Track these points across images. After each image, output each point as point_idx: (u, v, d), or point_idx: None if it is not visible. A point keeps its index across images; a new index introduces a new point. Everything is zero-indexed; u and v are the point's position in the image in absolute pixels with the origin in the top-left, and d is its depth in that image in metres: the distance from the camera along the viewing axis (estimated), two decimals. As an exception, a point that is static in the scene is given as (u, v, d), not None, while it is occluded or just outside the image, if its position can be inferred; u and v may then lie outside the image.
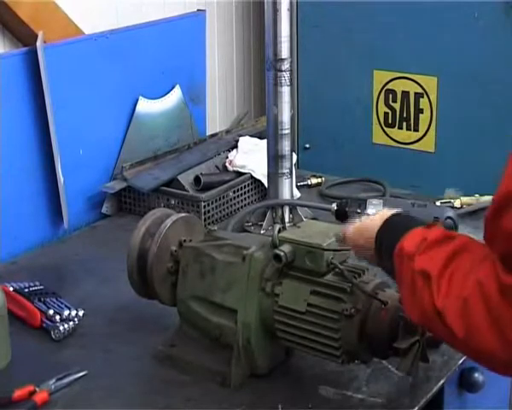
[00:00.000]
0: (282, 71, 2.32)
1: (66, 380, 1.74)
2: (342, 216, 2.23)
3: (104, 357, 1.85)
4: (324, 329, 1.61)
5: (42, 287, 2.08)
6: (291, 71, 2.36)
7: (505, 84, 2.69)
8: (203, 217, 2.47)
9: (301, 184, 2.78)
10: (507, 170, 1.23)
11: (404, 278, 1.39)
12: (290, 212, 2.46)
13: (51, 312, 1.95)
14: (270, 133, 2.40)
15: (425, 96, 2.86)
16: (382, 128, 2.99)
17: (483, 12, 2.68)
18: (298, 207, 2.49)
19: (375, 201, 2.10)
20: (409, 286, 1.37)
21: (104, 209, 2.61)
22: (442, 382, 1.74)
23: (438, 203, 2.48)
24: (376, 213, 1.60)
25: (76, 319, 1.95)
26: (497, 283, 1.21)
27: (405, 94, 2.90)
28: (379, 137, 3.00)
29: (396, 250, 1.42)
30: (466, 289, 1.25)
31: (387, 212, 1.57)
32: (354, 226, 1.61)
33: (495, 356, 1.24)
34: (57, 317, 1.93)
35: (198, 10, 2.94)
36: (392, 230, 1.49)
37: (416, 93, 2.88)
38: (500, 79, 2.70)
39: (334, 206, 2.32)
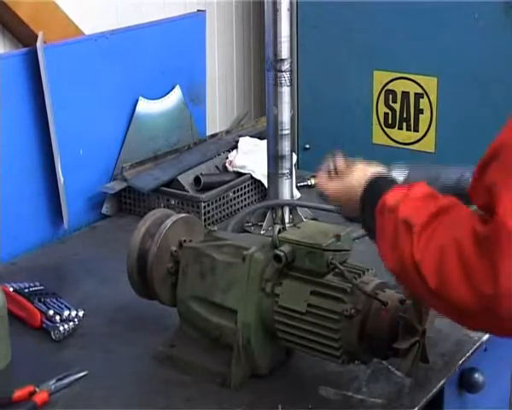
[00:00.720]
0: (282, 71, 2.32)
1: (66, 380, 1.74)
2: None
3: (104, 357, 1.85)
4: (324, 329, 1.61)
5: (42, 287, 2.08)
6: (291, 71, 2.36)
7: (505, 84, 2.69)
8: (203, 217, 2.47)
9: (301, 184, 2.77)
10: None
11: (385, 230, 1.40)
12: (290, 212, 2.46)
13: (51, 312, 1.95)
14: (270, 134, 2.40)
15: (425, 96, 2.86)
16: (382, 128, 2.99)
17: (483, 12, 2.69)
18: (298, 208, 2.49)
19: (399, 166, 2.00)
20: (390, 236, 1.38)
21: (104, 210, 2.61)
22: (442, 382, 1.74)
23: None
24: (357, 171, 1.63)
25: (76, 320, 1.95)
26: (473, 236, 1.23)
27: (405, 94, 2.90)
28: (379, 137, 3.00)
29: (378, 206, 1.44)
30: (444, 245, 1.27)
31: (369, 170, 1.61)
32: (337, 183, 1.66)
33: (465, 309, 1.25)
34: (57, 317, 1.93)
35: (198, 10, 2.94)
36: (374, 188, 1.53)
37: (415, 93, 2.88)
38: (500, 79, 2.70)
39: None
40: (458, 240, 1.25)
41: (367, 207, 1.53)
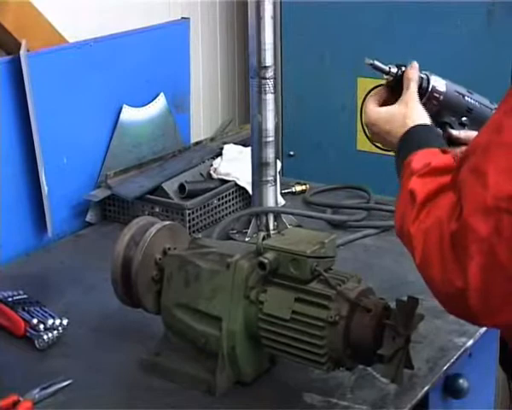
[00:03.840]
0: (266, 78, 2.33)
1: (50, 389, 1.73)
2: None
3: (89, 366, 1.84)
4: (309, 336, 1.61)
5: (26, 296, 2.06)
6: (275, 78, 2.36)
7: (488, 90, 2.70)
8: (188, 225, 2.46)
9: (286, 191, 2.78)
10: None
11: (403, 188, 1.47)
12: (275, 219, 2.46)
13: (35, 321, 1.94)
14: (254, 141, 2.40)
15: (409, 103, 2.86)
16: (367, 135, 2.99)
17: (466, 20, 2.70)
18: (282, 215, 2.49)
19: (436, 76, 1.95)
20: (403, 197, 1.45)
21: (88, 218, 2.61)
22: (427, 388, 1.74)
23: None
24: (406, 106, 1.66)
25: (60, 328, 1.94)
26: (449, 228, 1.26)
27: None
28: (363, 144, 3.00)
29: (406, 160, 1.50)
30: (432, 226, 1.31)
31: (414, 114, 1.63)
32: (381, 112, 1.70)
33: (440, 293, 1.30)
34: (41, 326, 1.92)
35: (182, 18, 2.94)
36: (412, 140, 1.58)
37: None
38: (483, 85, 2.71)
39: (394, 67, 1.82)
40: (442, 225, 1.28)
41: (400, 155, 1.57)
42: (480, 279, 1.21)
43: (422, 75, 1.75)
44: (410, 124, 1.62)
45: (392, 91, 1.76)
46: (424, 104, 1.71)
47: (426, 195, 1.37)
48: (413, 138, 1.59)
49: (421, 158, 1.47)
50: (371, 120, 1.72)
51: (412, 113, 1.64)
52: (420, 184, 1.41)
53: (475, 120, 1.76)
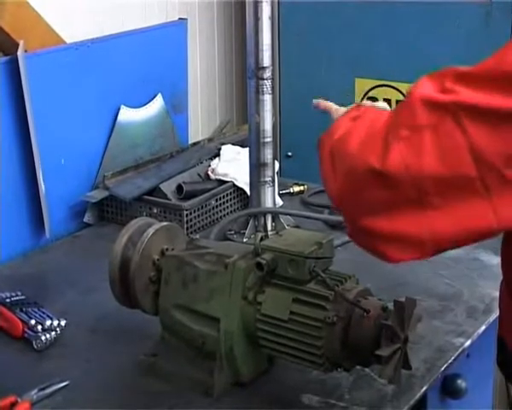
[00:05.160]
0: (263, 79, 2.33)
1: (48, 390, 1.73)
2: None
3: (86, 367, 1.84)
4: (307, 337, 1.61)
5: (23, 297, 2.06)
6: (273, 79, 2.36)
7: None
8: (185, 226, 2.46)
9: (284, 192, 2.78)
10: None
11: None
12: (272, 220, 2.46)
13: (33, 322, 1.94)
14: (252, 141, 2.40)
15: (406, 103, 2.87)
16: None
17: (464, 20, 2.70)
18: (280, 216, 2.49)
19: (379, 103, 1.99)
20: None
21: (86, 218, 2.60)
22: (425, 389, 1.74)
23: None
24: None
25: (58, 329, 1.94)
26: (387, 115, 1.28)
27: (387, 101, 2.91)
28: (361, 144, 3.00)
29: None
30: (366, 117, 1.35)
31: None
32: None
33: (349, 160, 1.29)
34: (39, 327, 1.92)
35: (179, 19, 2.94)
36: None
37: (397, 101, 2.89)
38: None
39: None
40: (376, 117, 1.31)
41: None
42: (395, 163, 1.19)
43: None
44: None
45: None
46: None
47: (371, 110, 1.40)
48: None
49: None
50: None
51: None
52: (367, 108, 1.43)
53: None
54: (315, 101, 1.90)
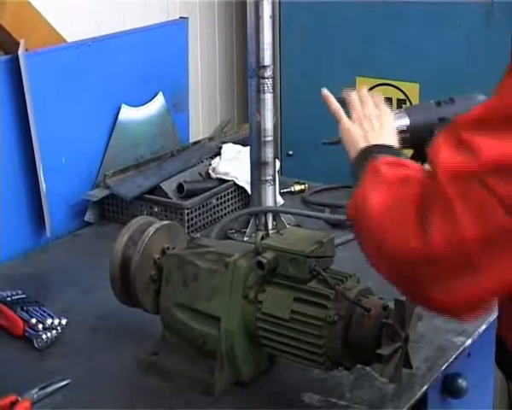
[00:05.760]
0: (264, 78, 2.33)
1: (48, 389, 1.73)
2: None
3: (87, 366, 1.84)
4: (308, 336, 1.61)
5: (24, 296, 2.06)
6: (274, 78, 2.36)
7: (486, 90, 2.70)
8: (186, 224, 2.46)
9: (284, 190, 2.78)
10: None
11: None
12: (273, 219, 2.46)
13: (34, 321, 1.94)
14: (253, 140, 2.40)
15: (407, 102, 2.87)
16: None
17: (464, 19, 2.70)
18: (281, 214, 2.49)
19: (398, 112, 1.96)
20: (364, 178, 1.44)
21: (87, 217, 2.60)
22: (425, 388, 1.74)
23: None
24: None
25: (59, 328, 1.94)
26: (417, 190, 1.26)
27: (388, 100, 2.90)
28: (362, 143, 3.00)
29: (371, 160, 1.47)
30: (397, 189, 1.31)
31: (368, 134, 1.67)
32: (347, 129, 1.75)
33: (390, 247, 1.27)
34: (40, 326, 1.92)
35: (180, 17, 2.94)
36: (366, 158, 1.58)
37: (398, 99, 2.89)
38: (481, 85, 2.71)
39: None
40: (408, 192, 1.27)
41: (355, 171, 1.58)
42: (440, 241, 1.19)
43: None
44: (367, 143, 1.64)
45: None
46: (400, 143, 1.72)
47: (393, 176, 1.35)
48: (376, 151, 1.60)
49: (388, 157, 1.48)
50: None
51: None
52: (388, 168, 1.39)
53: None
54: (325, 91, 1.87)
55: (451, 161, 1.21)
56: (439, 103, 1.83)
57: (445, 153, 1.23)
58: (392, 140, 1.71)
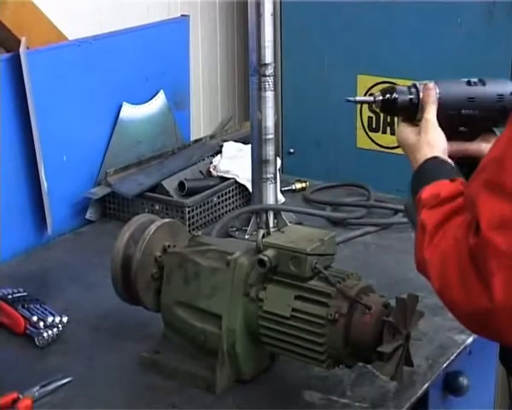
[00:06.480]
0: (265, 76, 2.32)
1: (50, 387, 1.73)
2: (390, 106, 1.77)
3: (88, 364, 1.84)
4: (309, 334, 1.61)
5: (25, 293, 2.07)
6: (275, 76, 2.36)
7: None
8: (187, 222, 2.46)
9: (286, 188, 2.78)
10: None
11: (416, 221, 1.45)
12: (274, 217, 2.46)
13: (35, 318, 1.94)
14: (254, 138, 2.40)
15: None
16: (366, 133, 2.99)
17: (466, 17, 2.70)
18: (282, 212, 2.49)
19: (428, 82, 1.90)
20: (417, 231, 1.43)
21: (88, 215, 2.61)
22: (427, 386, 1.74)
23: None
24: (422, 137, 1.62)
25: (60, 326, 1.94)
26: (467, 246, 1.24)
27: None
28: (363, 141, 3.00)
29: (417, 197, 1.48)
30: (447, 249, 1.29)
31: (424, 148, 1.60)
32: (401, 140, 1.66)
33: (464, 315, 1.28)
34: (41, 323, 1.93)
35: (182, 15, 2.94)
36: (422, 176, 1.55)
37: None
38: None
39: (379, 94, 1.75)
40: (458, 243, 1.26)
41: (413, 192, 1.55)
42: (505, 296, 1.18)
43: (412, 89, 1.71)
44: (422, 159, 1.58)
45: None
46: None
47: (436, 221, 1.35)
48: (423, 174, 1.56)
49: (430, 191, 1.46)
50: (398, 141, 1.70)
51: (422, 146, 1.61)
52: (430, 215, 1.39)
53: (480, 106, 1.73)
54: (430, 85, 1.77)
55: (489, 214, 1.20)
56: (469, 83, 1.79)
57: (483, 206, 1.22)
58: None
